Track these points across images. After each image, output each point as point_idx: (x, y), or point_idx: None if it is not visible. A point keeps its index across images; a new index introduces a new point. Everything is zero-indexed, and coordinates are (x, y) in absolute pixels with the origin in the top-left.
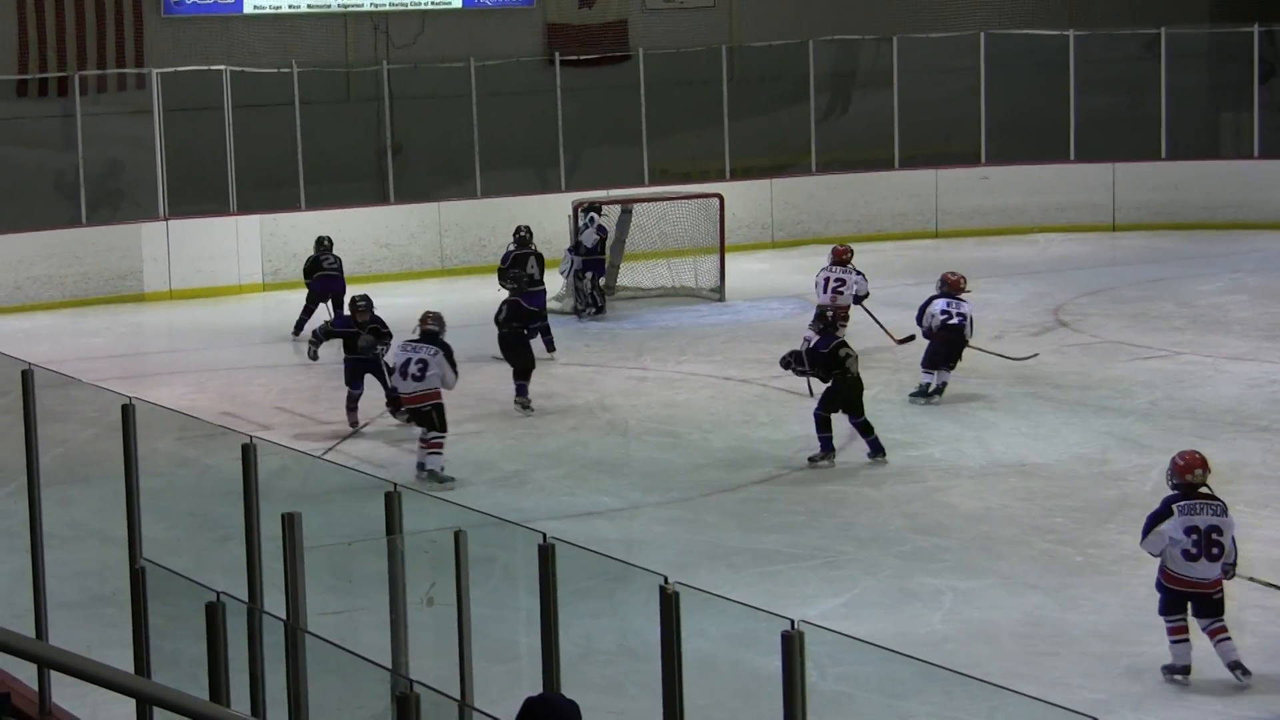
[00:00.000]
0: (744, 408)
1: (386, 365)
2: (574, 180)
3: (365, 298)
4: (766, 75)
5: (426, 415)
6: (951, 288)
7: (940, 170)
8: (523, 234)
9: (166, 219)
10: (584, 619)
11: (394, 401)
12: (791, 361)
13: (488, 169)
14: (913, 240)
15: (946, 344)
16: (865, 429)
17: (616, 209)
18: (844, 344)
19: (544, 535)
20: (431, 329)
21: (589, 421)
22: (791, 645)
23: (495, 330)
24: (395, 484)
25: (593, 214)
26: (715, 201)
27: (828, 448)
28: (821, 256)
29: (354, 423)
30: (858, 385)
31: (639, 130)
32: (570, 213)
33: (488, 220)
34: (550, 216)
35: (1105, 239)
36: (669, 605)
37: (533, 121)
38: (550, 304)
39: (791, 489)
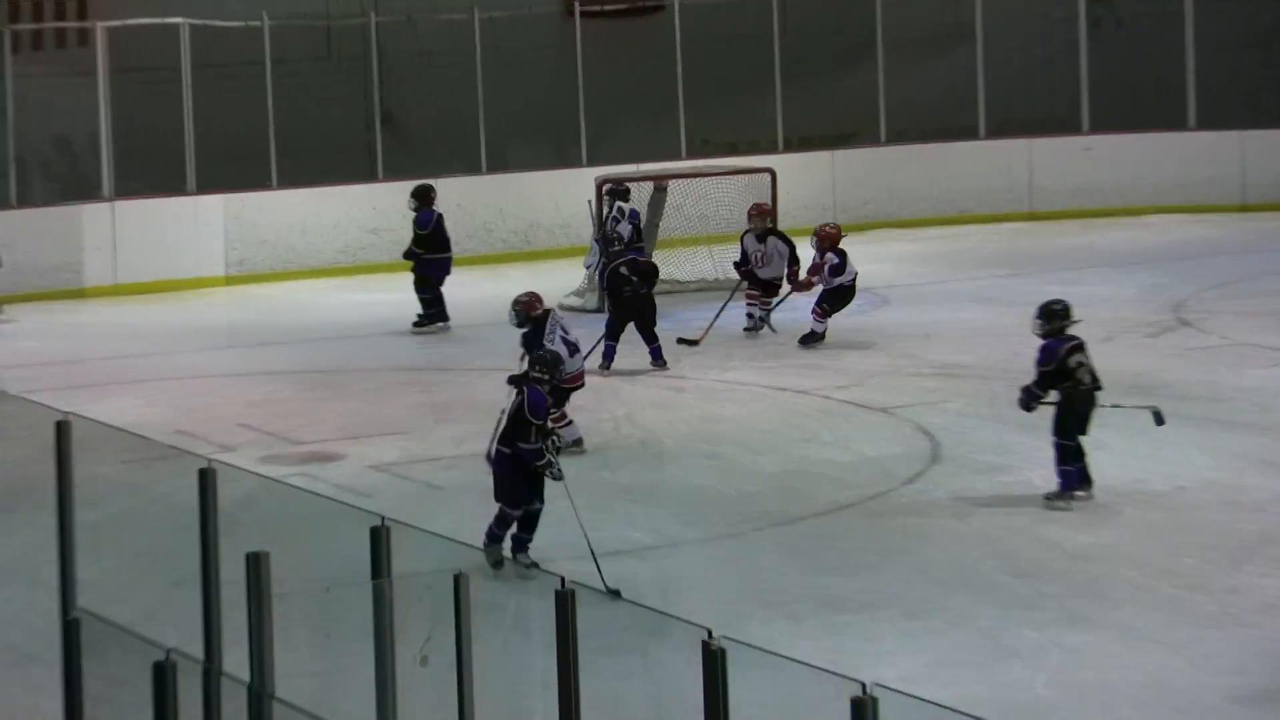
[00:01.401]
0: (802, 423)
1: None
2: (598, 153)
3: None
4: (826, 30)
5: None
6: (834, 242)
7: (1035, 140)
8: (429, 194)
9: (112, 199)
10: (611, 681)
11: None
12: (1029, 399)
13: (495, 141)
14: (1002, 223)
15: (846, 295)
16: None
17: (649, 187)
18: (1078, 346)
19: (562, 579)
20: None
21: (616, 440)
22: (863, 713)
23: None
24: (383, 516)
25: (619, 204)
26: (766, 177)
27: (1074, 481)
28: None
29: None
30: (1089, 399)
31: (675, 94)
32: (593, 194)
33: (495, 200)
34: (569, 196)
35: (1235, 221)
36: (714, 664)
37: (549, 84)
38: (569, 299)
39: (862, 522)
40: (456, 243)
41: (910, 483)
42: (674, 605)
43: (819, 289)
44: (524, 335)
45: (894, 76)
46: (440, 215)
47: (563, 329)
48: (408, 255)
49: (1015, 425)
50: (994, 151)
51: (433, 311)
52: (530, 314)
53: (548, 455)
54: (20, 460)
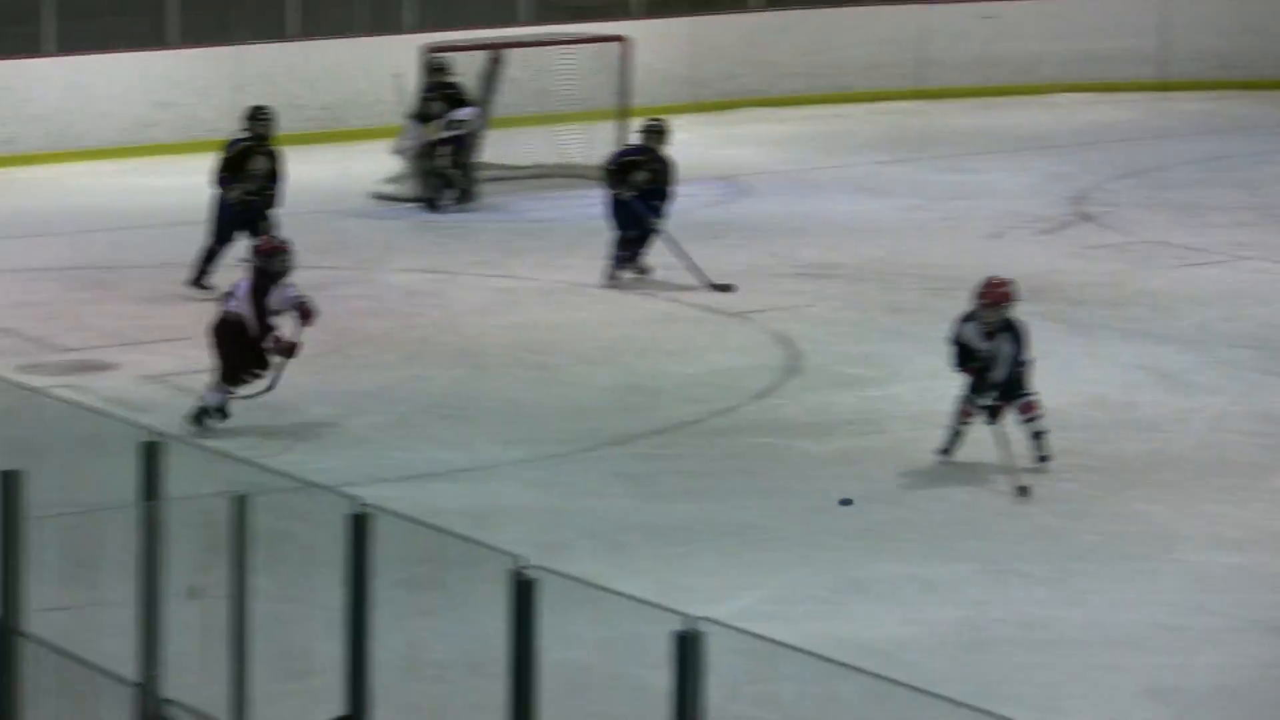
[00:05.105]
0: (645, 331)
1: None
2: (425, 16)
3: None
4: None
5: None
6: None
7: (929, 5)
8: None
9: None
10: (412, 619)
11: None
12: None
13: (307, 1)
14: (888, 101)
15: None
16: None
17: (480, 57)
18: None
19: (358, 502)
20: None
21: (431, 349)
22: (688, 651)
23: None
24: (159, 432)
25: (438, 88)
26: (616, 47)
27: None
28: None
29: None
30: None
31: None
32: (412, 66)
33: (304, 71)
34: (391, 67)
35: (1151, 102)
36: (524, 597)
37: None
38: (385, 187)
39: (705, 442)
40: None
41: (761, 398)
42: (487, 534)
43: None
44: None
45: None
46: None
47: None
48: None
49: (886, 333)
50: (880, 19)
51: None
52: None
53: None
54: None
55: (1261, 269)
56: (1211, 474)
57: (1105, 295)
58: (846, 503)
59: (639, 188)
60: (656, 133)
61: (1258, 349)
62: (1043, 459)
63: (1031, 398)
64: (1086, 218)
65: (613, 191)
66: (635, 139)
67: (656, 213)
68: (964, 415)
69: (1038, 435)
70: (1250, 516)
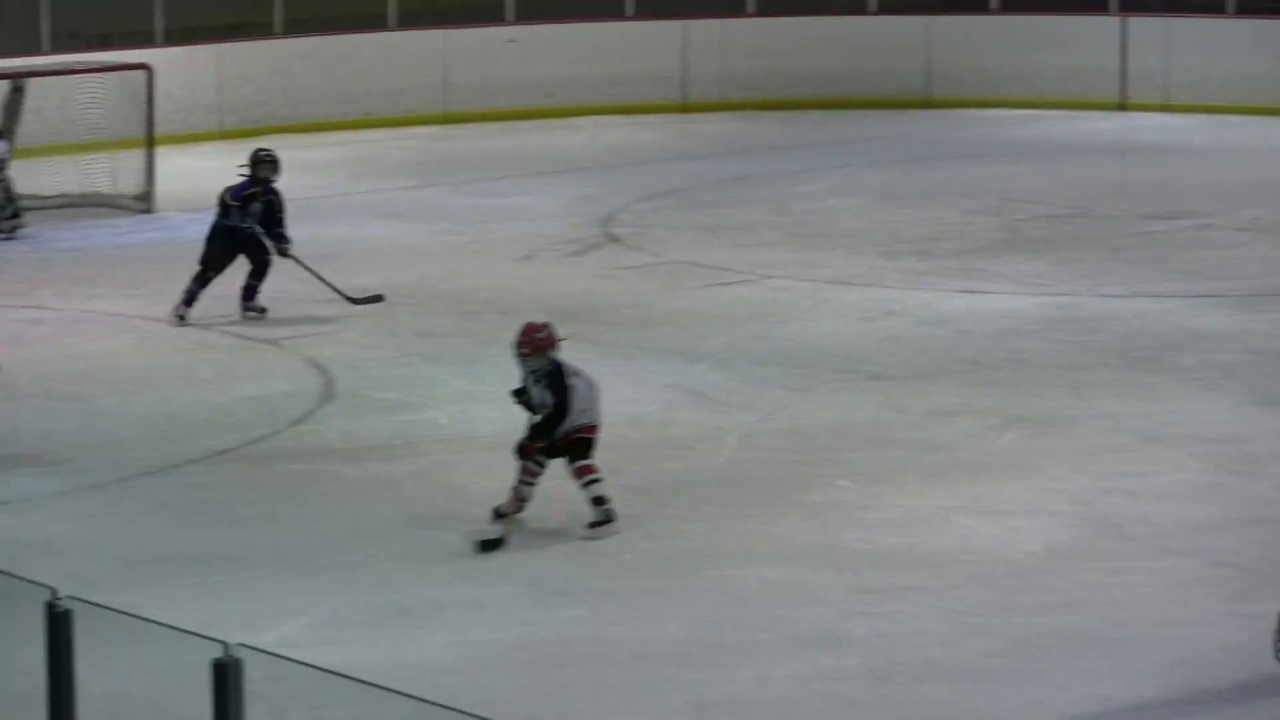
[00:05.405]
0: (180, 359)
1: None
2: None
3: None
4: None
5: None
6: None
7: (451, 31)
8: None
9: None
10: None
11: None
12: None
13: None
14: (415, 127)
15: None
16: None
17: (1, 86)
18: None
19: None
20: None
21: None
22: (226, 678)
23: None
24: None
25: None
26: (141, 75)
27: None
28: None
29: None
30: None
31: None
32: None
33: None
34: None
35: (674, 124)
36: (59, 629)
37: None
38: None
39: (243, 470)
40: None
41: (298, 424)
42: (24, 568)
43: None
44: None
45: None
46: None
47: None
48: None
49: (419, 357)
50: (404, 45)
51: None
52: None
53: None
54: None
55: (786, 287)
56: (745, 490)
57: (636, 316)
58: (491, 545)
59: (255, 220)
60: (269, 163)
61: (785, 366)
62: (594, 525)
63: (588, 462)
64: (614, 239)
65: (241, 226)
66: (245, 170)
67: (281, 240)
68: (528, 474)
69: (597, 501)
70: (783, 531)
